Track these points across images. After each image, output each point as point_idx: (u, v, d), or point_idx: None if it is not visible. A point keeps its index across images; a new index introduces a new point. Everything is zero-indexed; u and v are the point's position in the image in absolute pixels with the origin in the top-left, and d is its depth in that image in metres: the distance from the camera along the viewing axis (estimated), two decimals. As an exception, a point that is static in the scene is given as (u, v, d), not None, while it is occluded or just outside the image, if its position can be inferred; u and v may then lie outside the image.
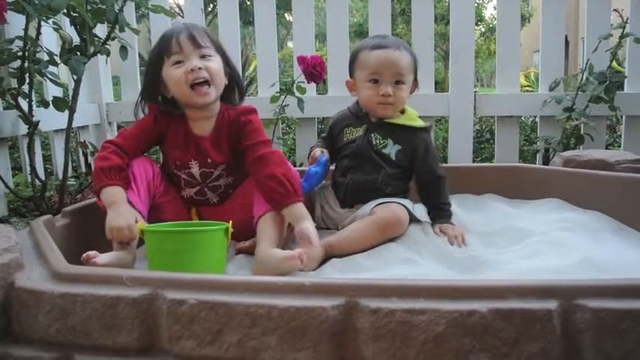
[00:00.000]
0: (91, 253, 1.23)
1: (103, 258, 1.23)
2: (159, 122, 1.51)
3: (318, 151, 1.65)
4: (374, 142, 1.60)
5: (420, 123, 1.63)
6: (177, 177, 1.54)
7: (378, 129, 1.62)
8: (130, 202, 1.37)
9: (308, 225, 1.35)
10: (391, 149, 1.60)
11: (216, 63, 1.47)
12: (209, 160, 1.50)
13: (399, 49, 1.58)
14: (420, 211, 1.61)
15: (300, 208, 1.38)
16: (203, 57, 1.44)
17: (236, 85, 1.58)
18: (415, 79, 1.65)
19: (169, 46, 1.44)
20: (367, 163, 1.60)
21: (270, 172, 1.40)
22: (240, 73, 1.80)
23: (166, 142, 1.53)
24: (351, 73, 1.68)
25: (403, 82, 1.58)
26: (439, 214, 1.59)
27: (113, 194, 1.35)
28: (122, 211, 1.32)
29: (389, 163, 1.59)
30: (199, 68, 1.42)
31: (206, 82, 1.43)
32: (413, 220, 1.55)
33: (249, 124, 1.50)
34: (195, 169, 1.51)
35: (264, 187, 1.40)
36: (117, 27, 1.86)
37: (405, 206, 1.51)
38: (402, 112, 1.65)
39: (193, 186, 1.54)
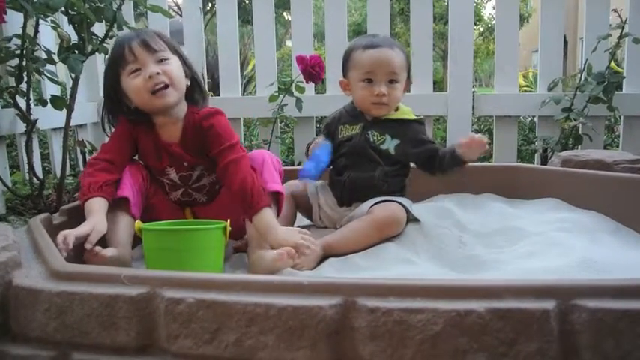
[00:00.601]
0: (97, 247, 1.23)
1: (110, 251, 1.26)
2: (131, 131, 1.48)
3: (321, 139, 1.66)
4: (372, 140, 1.60)
5: (413, 116, 1.64)
6: (161, 182, 1.53)
7: (375, 126, 1.62)
8: (125, 199, 1.38)
9: (273, 239, 1.30)
10: (390, 144, 1.60)
11: (174, 66, 1.42)
12: (185, 164, 1.48)
13: (392, 48, 1.59)
14: (418, 210, 1.61)
15: (261, 219, 1.32)
16: (160, 61, 1.40)
17: (197, 85, 1.53)
18: (408, 77, 1.65)
19: (123, 56, 1.39)
20: (364, 161, 1.60)
21: (231, 185, 1.37)
22: (205, 72, 1.72)
23: (140, 151, 1.51)
24: (345, 73, 1.68)
25: (397, 81, 1.59)
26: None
27: (91, 207, 1.32)
28: (98, 220, 1.29)
29: (387, 160, 1.59)
30: (157, 73, 1.37)
31: (166, 87, 1.39)
32: (411, 219, 1.55)
33: (211, 130, 1.44)
34: (173, 174, 1.50)
35: (234, 199, 1.39)
36: (115, 25, 1.85)
37: (403, 205, 1.51)
38: (396, 109, 1.65)
39: (177, 189, 1.53)
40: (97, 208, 1.32)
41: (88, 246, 1.23)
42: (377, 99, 1.57)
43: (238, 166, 1.38)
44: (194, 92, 1.52)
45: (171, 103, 1.42)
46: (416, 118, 1.65)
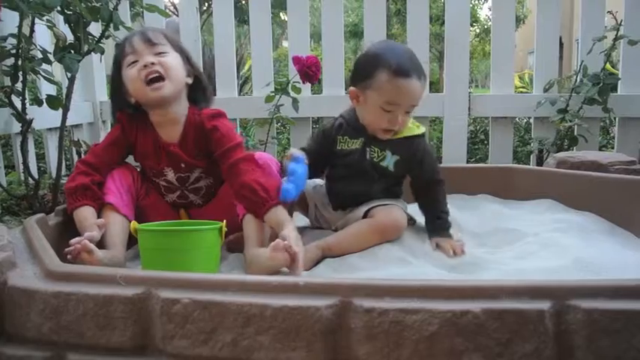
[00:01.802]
0: (84, 243, 1.22)
1: (102, 253, 1.26)
2: (127, 131, 1.49)
3: (295, 151, 1.50)
4: (371, 156, 1.54)
5: (416, 130, 1.56)
6: (157, 184, 1.53)
7: (376, 142, 1.54)
8: (112, 205, 1.39)
9: (285, 232, 1.27)
10: (389, 161, 1.54)
11: (171, 58, 1.43)
12: (183, 165, 1.48)
13: (420, 79, 1.45)
14: (415, 210, 1.61)
15: (276, 213, 1.32)
16: (158, 54, 1.42)
17: (200, 85, 1.53)
18: None
19: (123, 49, 1.43)
20: (362, 177, 1.55)
21: (242, 182, 1.35)
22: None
23: (137, 151, 1.51)
24: (358, 82, 1.51)
25: (413, 109, 1.50)
26: (436, 226, 1.53)
27: (83, 217, 1.35)
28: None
29: (385, 176, 1.55)
30: (152, 63, 1.39)
31: (160, 78, 1.40)
32: (409, 220, 1.55)
33: (215, 131, 1.44)
34: (170, 175, 1.50)
35: (240, 197, 1.37)
36: (111, 25, 1.85)
37: (403, 210, 1.51)
38: None
39: (173, 191, 1.53)
40: (85, 215, 1.35)
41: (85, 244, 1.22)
42: (389, 126, 1.48)
43: (249, 164, 1.39)
44: (197, 92, 1.52)
45: (166, 96, 1.42)
46: (418, 132, 1.56)
